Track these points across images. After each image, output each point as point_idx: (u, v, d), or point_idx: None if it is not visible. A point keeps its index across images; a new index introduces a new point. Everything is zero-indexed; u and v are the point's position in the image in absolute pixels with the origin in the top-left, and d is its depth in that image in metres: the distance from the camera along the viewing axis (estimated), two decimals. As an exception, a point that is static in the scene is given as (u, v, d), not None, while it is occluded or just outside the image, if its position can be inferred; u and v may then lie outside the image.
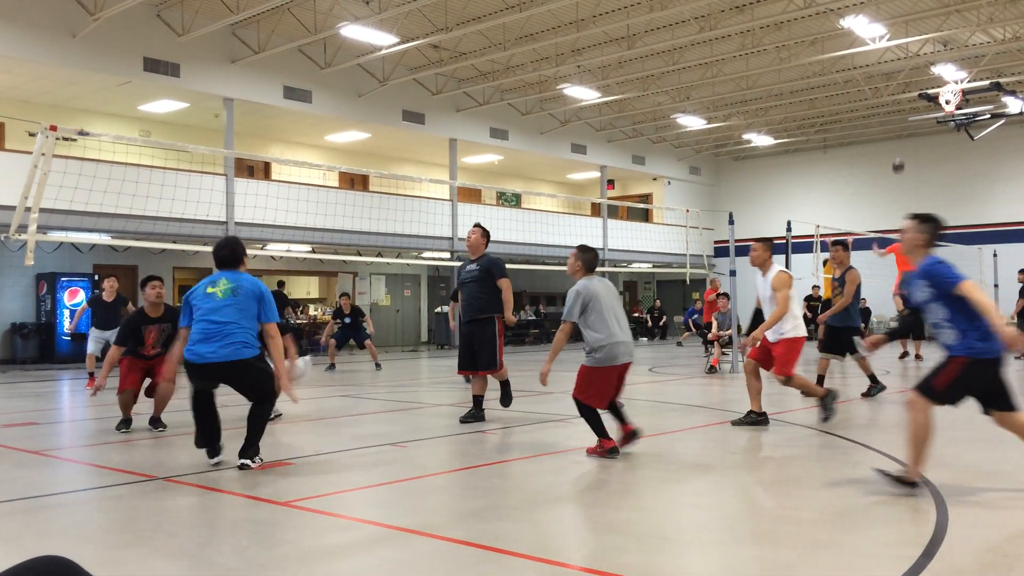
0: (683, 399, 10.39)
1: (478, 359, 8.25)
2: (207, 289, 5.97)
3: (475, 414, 8.24)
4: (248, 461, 5.82)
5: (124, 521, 4.66)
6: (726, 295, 14.41)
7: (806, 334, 7.90)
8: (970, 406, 5.03)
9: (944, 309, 4.92)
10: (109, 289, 12.30)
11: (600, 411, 6.33)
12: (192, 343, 5.84)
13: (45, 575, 1.82)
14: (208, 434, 6.02)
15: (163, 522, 4.58)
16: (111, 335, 12.14)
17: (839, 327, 9.99)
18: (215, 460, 6.00)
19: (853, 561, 3.79)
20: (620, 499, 5.03)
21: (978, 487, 5.31)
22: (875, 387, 10.22)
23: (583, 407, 6.29)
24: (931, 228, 5.14)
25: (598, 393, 6.26)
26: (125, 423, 7.84)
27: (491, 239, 8.68)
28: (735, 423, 7.82)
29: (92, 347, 12.32)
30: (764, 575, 3.68)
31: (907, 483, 4.97)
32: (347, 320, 15.66)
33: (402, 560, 3.88)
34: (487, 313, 8.24)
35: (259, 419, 5.94)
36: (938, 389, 4.91)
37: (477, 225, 8.70)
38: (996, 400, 4.97)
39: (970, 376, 4.87)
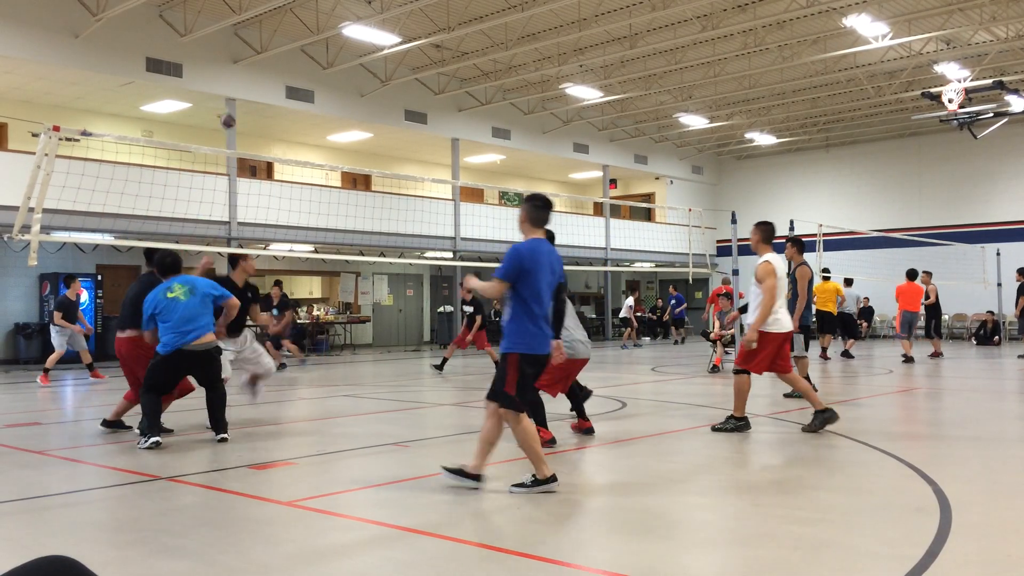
0: (686, 398, 10.39)
1: None
2: (167, 294, 6.93)
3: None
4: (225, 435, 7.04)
5: (127, 521, 4.67)
6: (727, 296, 14.42)
7: (784, 330, 7.27)
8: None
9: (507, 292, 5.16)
10: (72, 290, 13.60)
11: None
12: (173, 339, 6.85)
13: (50, 575, 1.83)
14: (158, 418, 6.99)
15: (166, 522, 4.59)
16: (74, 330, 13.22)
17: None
18: (160, 438, 6.81)
19: (855, 561, 3.79)
20: (621, 499, 5.03)
21: (980, 487, 5.30)
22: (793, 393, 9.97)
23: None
24: (530, 208, 5.29)
25: (552, 382, 6.78)
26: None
27: (495, 239, 8.56)
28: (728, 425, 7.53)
29: (60, 342, 13.25)
30: (764, 575, 3.69)
31: (471, 476, 5.18)
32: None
33: (405, 560, 3.88)
34: None
35: (222, 400, 7.16)
36: (512, 394, 5.06)
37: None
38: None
39: (525, 371, 5.07)
